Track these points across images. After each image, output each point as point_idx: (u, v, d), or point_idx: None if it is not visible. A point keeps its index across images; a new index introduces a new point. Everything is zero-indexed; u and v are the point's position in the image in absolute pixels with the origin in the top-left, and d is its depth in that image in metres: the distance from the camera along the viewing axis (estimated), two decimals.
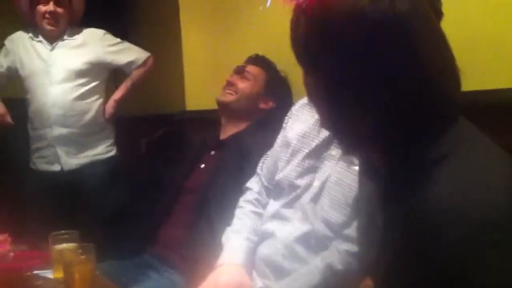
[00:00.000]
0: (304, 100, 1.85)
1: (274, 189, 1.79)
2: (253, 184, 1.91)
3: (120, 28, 3.36)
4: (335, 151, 1.64)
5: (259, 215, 1.81)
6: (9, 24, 3.22)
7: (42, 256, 1.82)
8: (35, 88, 2.99)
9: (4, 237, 1.94)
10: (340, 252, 1.52)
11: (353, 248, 1.50)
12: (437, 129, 0.88)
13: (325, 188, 1.60)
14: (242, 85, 2.43)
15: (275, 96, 2.44)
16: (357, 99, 0.88)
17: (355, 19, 0.85)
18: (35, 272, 1.74)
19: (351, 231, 1.52)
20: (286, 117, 1.89)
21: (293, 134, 1.78)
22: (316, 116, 1.74)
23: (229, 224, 1.83)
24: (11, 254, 1.91)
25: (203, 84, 3.28)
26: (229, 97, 2.43)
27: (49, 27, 2.98)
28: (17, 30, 3.12)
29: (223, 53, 3.12)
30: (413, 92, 0.87)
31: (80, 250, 1.54)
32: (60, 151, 3.00)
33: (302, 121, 1.79)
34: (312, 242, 1.59)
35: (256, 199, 1.85)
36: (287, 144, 1.78)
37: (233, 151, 2.30)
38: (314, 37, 0.91)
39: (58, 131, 2.97)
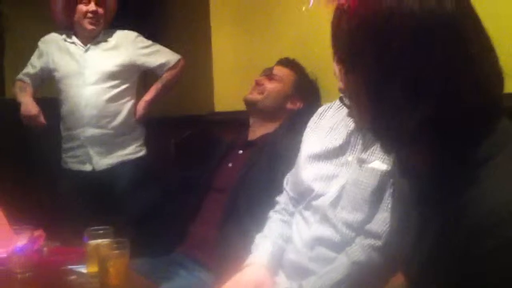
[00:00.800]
0: (321, 109, 1.91)
1: (297, 197, 1.83)
2: (281, 197, 1.95)
3: (150, 29, 3.37)
4: (351, 157, 1.67)
5: (286, 222, 1.85)
6: (44, 26, 3.25)
7: (76, 252, 1.84)
8: (68, 89, 3.03)
9: (38, 233, 1.98)
10: (363, 247, 1.54)
11: (377, 242, 1.52)
12: (482, 130, 0.88)
13: (344, 192, 1.63)
14: (270, 85, 2.46)
15: (303, 97, 2.45)
16: (400, 98, 0.88)
17: (402, 17, 0.85)
18: (69, 267, 1.77)
19: (373, 226, 1.55)
20: (307, 129, 1.92)
21: (310, 143, 1.84)
22: (332, 122, 1.79)
23: (259, 231, 1.89)
24: (45, 249, 1.95)
25: (232, 86, 3.30)
26: (257, 96, 2.45)
27: (90, 27, 3.01)
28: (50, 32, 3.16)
29: (252, 54, 3.13)
30: (459, 91, 0.86)
31: (115, 245, 1.56)
32: (92, 152, 3.03)
33: (319, 130, 1.85)
34: (335, 242, 1.61)
35: (283, 209, 1.89)
36: (305, 153, 1.83)
37: (262, 151, 2.32)
38: (358, 34, 0.91)
39: (91, 131, 3.01)
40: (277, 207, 1.93)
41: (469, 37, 0.87)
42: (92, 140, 3.02)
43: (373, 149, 1.61)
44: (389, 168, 1.55)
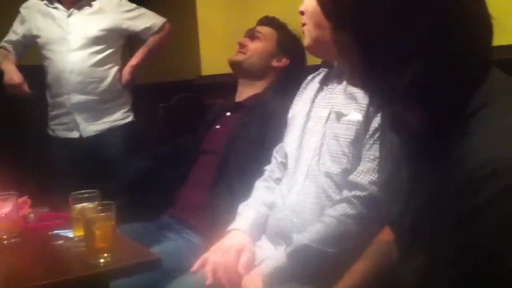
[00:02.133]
0: (309, 77, 1.93)
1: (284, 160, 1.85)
2: (269, 166, 1.97)
3: None
4: (324, 112, 1.70)
5: (270, 188, 1.88)
6: None
7: (63, 217, 1.84)
8: (52, 55, 3.00)
9: (23, 200, 1.97)
10: (349, 199, 1.54)
11: (362, 193, 1.53)
12: (472, 81, 0.87)
13: (323, 146, 1.65)
14: (253, 44, 2.44)
15: (288, 53, 2.42)
16: (391, 52, 0.87)
17: None
18: (55, 232, 1.75)
19: (356, 177, 1.55)
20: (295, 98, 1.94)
21: (296, 107, 1.88)
22: (315, 87, 1.80)
23: (248, 193, 1.93)
24: (32, 215, 1.93)
25: (218, 50, 3.27)
26: (240, 57, 2.43)
27: None
28: None
29: (237, 18, 3.10)
30: (449, 42, 0.85)
31: (100, 208, 1.54)
32: (79, 118, 3.02)
33: (304, 95, 1.88)
34: (318, 201, 1.63)
35: (269, 176, 1.92)
36: (291, 119, 1.88)
37: (251, 112, 2.30)
38: None
39: (77, 98, 2.98)
40: (264, 175, 1.95)
41: None
42: (78, 107, 3.00)
43: (348, 102, 1.62)
44: (364, 118, 1.57)
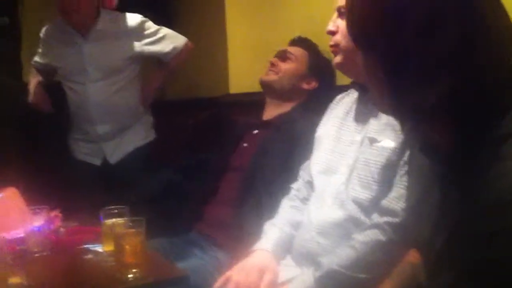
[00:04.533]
0: (338, 96, 1.92)
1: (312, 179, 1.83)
2: (295, 184, 1.96)
3: (164, 12, 3.35)
4: (359, 137, 1.67)
5: (296, 208, 1.87)
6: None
7: (93, 231, 1.86)
8: (73, 86, 2.94)
9: (55, 213, 2.00)
10: (379, 225, 1.52)
11: (394, 220, 1.51)
12: (503, 105, 0.86)
13: (354, 171, 1.63)
14: (285, 65, 2.45)
15: (318, 76, 2.44)
16: (418, 74, 0.87)
17: None
18: (85, 246, 1.78)
19: (388, 203, 1.53)
20: (323, 117, 1.93)
21: (325, 127, 1.85)
22: (346, 107, 1.80)
23: (274, 211, 1.91)
24: (62, 229, 1.97)
25: (246, 67, 3.29)
26: (272, 77, 2.45)
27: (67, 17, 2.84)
28: None
29: (267, 36, 3.12)
30: (478, 66, 0.85)
31: (130, 224, 1.57)
32: (105, 147, 2.99)
33: (333, 115, 1.85)
34: (345, 224, 1.61)
35: (295, 195, 1.91)
36: (318, 138, 1.86)
37: (277, 131, 2.32)
38: (371, 16, 0.90)
39: (102, 128, 2.95)
40: (290, 194, 1.94)
41: (484, 10, 0.86)
42: (104, 137, 2.98)
43: (383, 128, 1.61)
44: (399, 146, 1.56)
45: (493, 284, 0.82)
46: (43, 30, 3.02)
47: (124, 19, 2.94)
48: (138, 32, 2.94)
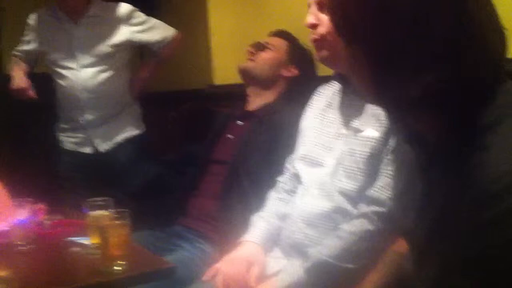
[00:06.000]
0: (319, 88, 1.92)
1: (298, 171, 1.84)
2: (281, 177, 1.96)
3: (147, 3, 3.33)
4: (344, 130, 1.69)
5: (282, 200, 1.87)
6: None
7: (78, 224, 1.85)
8: (61, 71, 2.95)
9: (39, 206, 1.99)
10: (366, 214, 1.54)
11: (380, 209, 1.52)
12: (486, 94, 0.87)
13: (339, 162, 1.64)
14: (263, 54, 2.46)
15: (298, 64, 2.44)
16: (405, 69, 0.87)
17: None
18: (72, 238, 1.77)
19: (375, 192, 1.55)
20: (306, 109, 1.93)
21: (308, 119, 1.86)
22: (327, 99, 1.80)
23: (259, 203, 1.93)
24: (47, 222, 1.95)
25: (230, 59, 3.27)
26: (249, 64, 2.45)
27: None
28: None
29: (250, 28, 3.11)
30: (462, 54, 0.85)
31: (115, 216, 1.56)
32: (94, 135, 2.99)
33: (315, 107, 1.86)
34: (332, 215, 1.62)
35: (281, 187, 1.92)
36: (302, 131, 1.87)
37: (261, 122, 2.32)
38: (356, 8, 0.90)
39: (91, 115, 2.95)
40: (277, 186, 1.94)
41: (473, 3, 0.86)
42: (92, 124, 2.98)
43: (367, 119, 1.62)
44: (383, 135, 1.57)
45: (479, 274, 0.83)
46: (31, 16, 3.03)
47: (114, 7, 2.98)
48: (128, 20, 2.98)
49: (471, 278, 0.84)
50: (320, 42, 1.69)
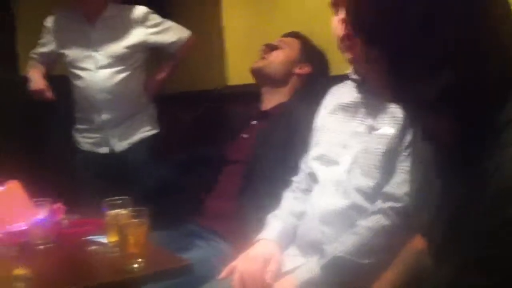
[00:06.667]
0: (333, 88, 1.93)
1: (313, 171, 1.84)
2: (296, 177, 1.97)
3: (162, 5, 3.35)
4: (357, 126, 1.69)
5: (297, 199, 1.88)
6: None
7: (96, 223, 1.87)
8: (79, 72, 2.99)
9: (58, 206, 2.00)
10: (383, 210, 1.54)
11: (397, 204, 1.53)
12: (503, 94, 0.87)
13: (355, 160, 1.65)
14: (275, 53, 2.48)
15: (311, 61, 2.46)
16: (422, 68, 0.87)
17: None
18: (89, 237, 1.79)
19: (391, 188, 1.55)
20: (319, 108, 1.93)
21: (322, 118, 1.87)
22: (342, 98, 1.80)
23: (275, 202, 1.93)
24: (66, 221, 1.97)
25: (244, 59, 3.27)
26: (260, 63, 2.46)
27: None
28: None
29: (265, 27, 3.11)
30: (480, 56, 0.86)
31: (134, 214, 1.57)
32: (110, 136, 3.03)
33: (329, 106, 1.86)
34: (348, 212, 1.63)
35: (296, 187, 1.92)
36: (317, 129, 1.87)
37: (276, 122, 2.32)
38: (373, 8, 0.91)
39: (107, 116, 2.99)
40: (291, 186, 1.95)
41: (488, 2, 0.86)
42: (109, 124, 3.02)
43: (382, 116, 1.62)
44: (398, 132, 1.57)
45: (497, 273, 0.83)
46: (49, 18, 3.08)
47: (130, 9, 3.03)
48: (143, 22, 3.02)
49: (488, 277, 0.84)
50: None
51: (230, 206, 2.22)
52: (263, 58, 2.49)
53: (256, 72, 2.49)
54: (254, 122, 2.47)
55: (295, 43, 2.49)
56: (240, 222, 2.13)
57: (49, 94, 2.99)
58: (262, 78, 2.49)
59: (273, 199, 1.95)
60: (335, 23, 1.69)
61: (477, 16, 0.85)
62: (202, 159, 2.67)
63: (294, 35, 2.54)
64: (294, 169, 2.00)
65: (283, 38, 2.54)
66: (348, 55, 1.70)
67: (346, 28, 1.63)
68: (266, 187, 2.15)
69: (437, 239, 1.02)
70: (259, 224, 1.90)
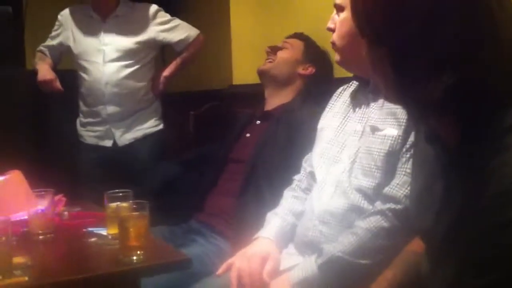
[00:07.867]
0: (338, 90, 1.92)
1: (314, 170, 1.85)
2: (297, 176, 1.97)
3: (170, 4, 3.37)
4: (359, 126, 1.69)
5: (297, 198, 1.88)
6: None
7: (97, 216, 1.87)
8: (87, 65, 3.04)
9: (59, 197, 2.01)
10: (382, 212, 1.53)
11: (397, 206, 1.51)
12: (507, 95, 0.87)
13: (356, 160, 1.64)
14: (280, 53, 2.51)
15: (315, 62, 2.48)
16: (426, 70, 0.88)
17: None
18: (89, 229, 1.79)
19: (391, 190, 1.54)
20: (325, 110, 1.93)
21: (326, 120, 1.87)
22: (345, 100, 1.81)
23: (276, 200, 1.94)
24: (66, 213, 1.98)
25: (250, 60, 3.29)
26: (267, 65, 2.50)
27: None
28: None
29: (269, 29, 3.13)
30: (484, 56, 0.86)
31: (134, 206, 1.58)
32: (115, 129, 3.07)
33: (334, 108, 1.87)
34: (347, 213, 1.62)
35: (297, 185, 1.93)
36: (320, 130, 1.87)
37: (279, 121, 2.33)
38: (377, 9, 0.91)
39: (113, 109, 3.03)
40: (292, 185, 1.95)
41: (491, 4, 0.87)
42: (114, 117, 3.05)
43: (384, 117, 1.62)
44: (401, 133, 1.57)
45: (495, 275, 0.83)
46: (63, 12, 3.15)
47: (141, 7, 3.11)
48: (153, 20, 3.09)
49: (487, 279, 0.84)
50: (333, 45, 1.74)
51: (232, 204, 2.23)
52: (269, 60, 2.51)
53: (262, 74, 2.53)
54: (258, 121, 2.49)
55: (299, 44, 2.52)
56: (240, 220, 2.14)
57: (57, 85, 3.02)
58: (268, 79, 2.52)
59: (275, 198, 1.96)
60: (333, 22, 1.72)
61: (481, 18, 0.86)
62: (205, 157, 2.68)
63: (298, 36, 2.57)
64: (296, 169, 2.00)
65: (287, 39, 2.57)
66: (336, 57, 1.76)
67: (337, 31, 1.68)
68: (268, 186, 2.17)
69: (437, 241, 1.02)
70: (259, 222, 1.90)
